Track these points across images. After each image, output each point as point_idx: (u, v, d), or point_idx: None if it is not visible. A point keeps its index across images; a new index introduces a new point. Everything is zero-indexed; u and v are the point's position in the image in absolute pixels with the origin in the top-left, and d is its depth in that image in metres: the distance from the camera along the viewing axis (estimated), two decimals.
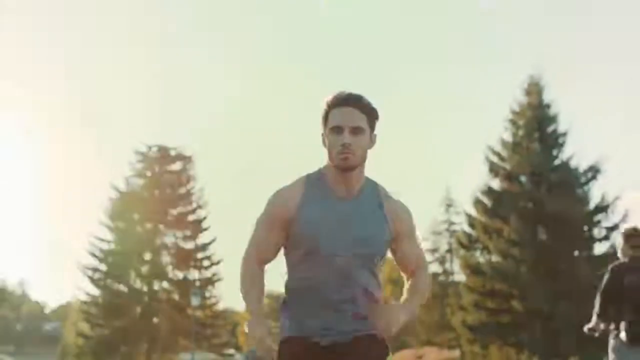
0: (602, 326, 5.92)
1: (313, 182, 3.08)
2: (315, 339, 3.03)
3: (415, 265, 3.18)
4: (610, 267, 6.03)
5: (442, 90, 75.18)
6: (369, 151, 3.09)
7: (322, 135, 3.08)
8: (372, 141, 3.08)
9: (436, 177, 75.11)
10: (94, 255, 37.86)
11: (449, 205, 42.04)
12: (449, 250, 41.47)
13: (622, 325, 5.79)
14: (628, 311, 5.78)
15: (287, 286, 3.13)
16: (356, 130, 2.99)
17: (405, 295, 3.12)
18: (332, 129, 3.00)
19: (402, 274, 3.22)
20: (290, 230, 3.04)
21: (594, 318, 6.01)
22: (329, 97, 3.08)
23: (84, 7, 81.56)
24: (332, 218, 3.00)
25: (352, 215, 3.01)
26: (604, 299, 5.92)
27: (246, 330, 2.94)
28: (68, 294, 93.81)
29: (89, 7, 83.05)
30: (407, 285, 3.18)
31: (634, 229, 5.97)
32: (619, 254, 6.11)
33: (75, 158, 76.33)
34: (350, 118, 2.99)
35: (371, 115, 3.04)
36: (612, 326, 5.91)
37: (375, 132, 3.10)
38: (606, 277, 5.96)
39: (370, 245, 3.00)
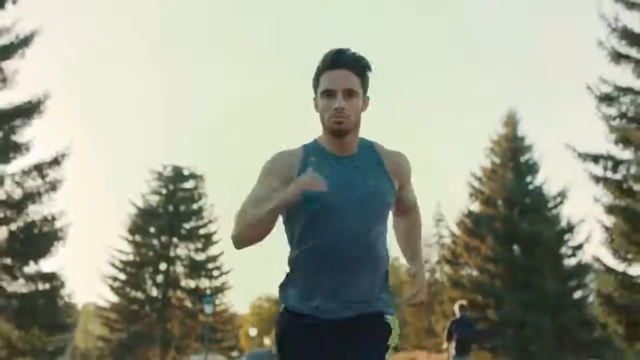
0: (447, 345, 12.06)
1: (310, 148, 3.09)
2: (319, 315, 2.99)
3: (408, 206, 3.27)
4: (450, 320, 12.30)
5: (442, 103, 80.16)
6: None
7: (314, 99, 3.07)
8: (365, 104, 3.07)
9: (428, 193, 79.88)
10: (113, 265, 43.11)
11: (439, 220, 47.48)
12: (439, 262, 46.93)
13: (453, 343, 11.79)
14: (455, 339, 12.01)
15: (293, 258, 3.06)
16: (349, 93, 2.97)
17: (407, 242, 3.30)
18: (324, 93, 2.99)
19: (392, 212, 3.22)
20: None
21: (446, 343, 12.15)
22: (320, 58, 3.05)
23: (100, 28, 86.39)
24: (336, 177, 2.98)
25: (355, 173, 3.02)
26: (448, 332, 12.02)
27: (292, 196, 2.86)
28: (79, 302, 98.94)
29: (105, 27, 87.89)
30: (397, 223, 3.32)
31: (461, 305, 12.27)
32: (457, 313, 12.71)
33: (96, 177, 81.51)
34: (343, 81, 2.97)
35: (364, 75, 3.03)
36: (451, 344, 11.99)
37: (368, 94, 3.07)
38: (449, 324, 12.13)
39: (377, 201, 3.01)
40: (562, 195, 36.10)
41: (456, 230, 37.76)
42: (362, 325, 2.99)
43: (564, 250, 36.27)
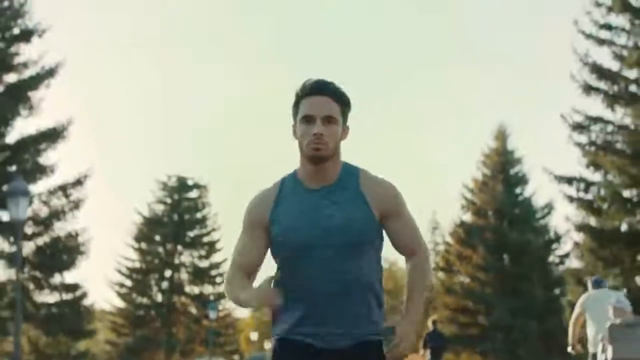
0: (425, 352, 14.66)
1: (287, 180, 3.11)
2: (311, 341, 3.04)
3: (405, 244, 3.15)
4: (426, 332, 14.83)
5: (441, 104, 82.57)
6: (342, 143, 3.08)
7: (293, 126, 3.08)
8: (345, 132, 3.09)
9: (424, 202, 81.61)
10: (120, 272, 45.66)
11: (434, 228, 50.12)
12: (435, 269, 49.56)
13: (428, 350, 14.42)
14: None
15: (278, 286, 3.06)
16: (329, 120, 2.99)
17: (406, 295, 3.13)
18: (303, 119, 3.01)
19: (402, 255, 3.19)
20: (269, 232, 3.07)
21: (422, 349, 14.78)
22: (299, 86, 3.07)
23: (107, 41, 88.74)
24: (305, 211, 3.02)
25: (329, 207, 3.01)
26: (424, 342, 14.69)
27: (246, 302, 2.94)
28: None
29: (114, 40, 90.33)
30: (407, 268, 3.17)
31: (434, 320, 15.07)
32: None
33: (103, 187, 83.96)
34: (322, 107, 3.00)
35: (344, 104, 3.05)
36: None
37: (348, 124, 3.09)
38: (425, 335, 14.73)
39: (350, 232, 2.99)
40: (550, 206, 38.74)
41: (449, 240, 40.44)
42: (352, 355, 3.01)
43: (551, 259, 38.97)
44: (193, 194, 47.36)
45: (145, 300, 45.62)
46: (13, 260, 23.47)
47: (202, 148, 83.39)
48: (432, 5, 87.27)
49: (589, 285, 9.48)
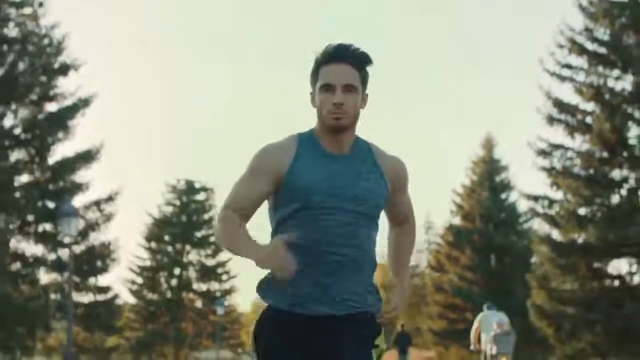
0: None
1: (305, 139, 3.14)
2: (302, 311, 3.05)
3: (402, 215, 3.35)
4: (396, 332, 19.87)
5: (441, 104, 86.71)
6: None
7: (311, 94, 3.13)
8: (364, 101, 3.13)
9: (419, 201, 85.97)
10: (132, 270, 50.18)
11: (428, 228, 55.00)
12: (426, 268, 54.43)
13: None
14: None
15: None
16: (348, 89, 3.03)
17: (397, 258, 3.38)
18: (323, 87, 3.05)
19: (388, 222, 3.36)
20: (282, 183, 3.07)
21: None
22: (318, 52, 3.11)
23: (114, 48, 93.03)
24: (329, 174, 3.06)
25: (348, 173, 3.08)
26: (394, 340, 19.87)
27: (258, 264, 2.91)
28: None
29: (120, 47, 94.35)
30: (391, 234, 3.39)
31: (402, 324, 20.35)
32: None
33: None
34: (343, 76, 3.03)
35: (365, 71, 3.11)
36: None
37: (367, 91, 3.13)
38: (395, 334, 19.74)
39: (370, 201, 3.09)
40: (533, 211, 43.47)
41: (440, 241, 45.34)
42: (349, 324, 3.05)
43: (533, 260, 43.69)
44: (200, 196, 51.79)
45: (155, 297, 49.45)
46: (54, 266, 28.44)
47: (207, 151, 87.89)
48: (432, 5, 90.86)
49: (485, 308, 15.16)
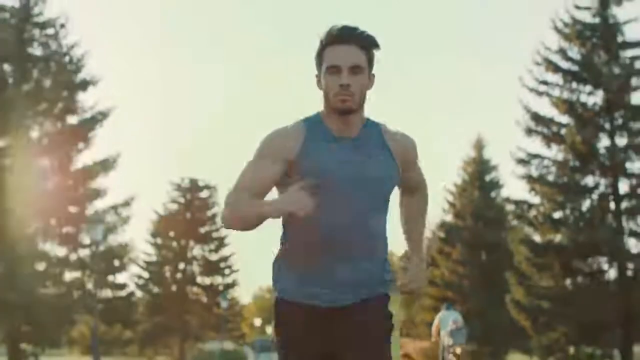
0: None
1: (313, 124, 3.16)
2: (316, 302, 3.12)
3: (414, 185, 3.42)
4: None
5: (445, 93, 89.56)
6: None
7: (317, 76, 3.16)
8: (371, 82, 3.16)
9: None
10: (138, 265, 53.56)
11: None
12: None
13: None
14: None
15: (286, 239, 3.20)
16: (355, 70, 3.06)
17: (410, 226, 3.45)
18: (329, 69, 3.07)
19: (399, 191, 3.43)
20: (292, 168, 3.11)
21: None
22: (322, 33, 3.11)
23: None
24: (339, 157, 3.10)
25: (357, 156, 3.12)
26: None
27: (276, 210, 2.98)
28: None
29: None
30: (401, 203, 3.47)
31: None
32: None
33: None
34: (348, 56, 3.05)
35: (370, 51, 3.12)
36: None
37: (374, 71, 3.15)
38: None
39: (379, 185, 3.14)
40: (514, 213, 47.07)
41: (432, 237, 48.99)
42: (361, 310, 3.11)
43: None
44: (204, 194, 55.20)
45: (161, 290, 52.88)
46: (77, 265, 32.06)
47: (210, 150, 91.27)
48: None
49: (443, 308, 18.91)
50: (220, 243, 54.78)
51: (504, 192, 47.28)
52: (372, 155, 3.16)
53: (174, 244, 53.85)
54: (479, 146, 48.22)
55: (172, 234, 53.84)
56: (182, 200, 54.73)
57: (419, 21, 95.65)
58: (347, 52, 3.06)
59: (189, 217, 54.14)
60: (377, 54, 3.16)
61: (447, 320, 18.78)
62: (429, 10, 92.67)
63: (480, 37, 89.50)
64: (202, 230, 54.37)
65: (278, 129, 3.17)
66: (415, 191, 3.47)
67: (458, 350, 18.63)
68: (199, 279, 54.16)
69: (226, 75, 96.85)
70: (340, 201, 3.09)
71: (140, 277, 52.90)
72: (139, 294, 52.67)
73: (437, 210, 50.60)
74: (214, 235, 54.68)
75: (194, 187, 55.07)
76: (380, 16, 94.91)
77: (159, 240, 53.94)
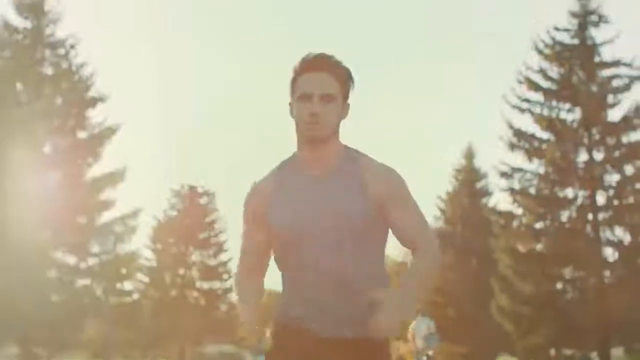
0: None
1: (284, 166, 3.20)
2: (312, 327, 3.13)
3: (409, 239, 3.17)
4: None
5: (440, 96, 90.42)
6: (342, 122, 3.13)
7: (290, 104, 3.14)
8: (345, 111, 3.13)
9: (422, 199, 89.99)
10: (139, 270, 55.60)
11: None
12: None
13: None
14: None
15: (281, 279, 3.28)
16: (326, 98, 3.04)
17: (401, 283, 3.09)
18: (300, 97, 3.06)
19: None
20: (268, 223, 3.16)
21: None
22: (296, 62, 3.10)
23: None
24: (304, 206, 3.09)
25: (326, 197, 3.08)
26: None
27: (242, 318, 3.24)
28: None
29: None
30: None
31: None
32: None
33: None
34: (320, 84, 3.05)
35: (344, 80, 3.10)
36: None
37: (349, 101, 3.13)
38: None
39: (348, 224, 3.06)
40: (498, 224, 49.54)
41: None
42: (357, 347, 3.08)
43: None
44: (203, 200, 57.49)
45: (160, 295, 54.78)
46: (86, 273, 34.55)
47: (208, 157, 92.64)
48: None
49: (419, 315, 21.13)
50: (219, 248, 56.53)
51: (492, 202, 49.96)
52: (342, 193, 3.11)
53: (174, 249, 55.64)
54: (470, 155, 50.78)
55: (171, 240, 55.73)
56: (181, 206, 56.74)
57: (419, 24, 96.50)
58: (319, 80, 3.07)
59: (188, 223, 56.11)
60: (351, 85, 3.18)
61: (421, 326, 20.96)
62: (429, 12, 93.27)
63: (470, 49, 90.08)
64: (201, 236, 56.03)
65: (253, 185, 3.25)
66: (413, 250, 3.21)
67: (431, 353, 21.09)
68: (197, 284, 55.95)
69: (226, 77, 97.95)
70: (308, 251, 3.12)
71: (140, 282, 54.80)
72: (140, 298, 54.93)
73: (429, 217, 53.15)
74: (213, 240, 56.41)
75: (193, 193, 57.12)
76: (381, 19, 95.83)
77: (158, 246, 55.87)
